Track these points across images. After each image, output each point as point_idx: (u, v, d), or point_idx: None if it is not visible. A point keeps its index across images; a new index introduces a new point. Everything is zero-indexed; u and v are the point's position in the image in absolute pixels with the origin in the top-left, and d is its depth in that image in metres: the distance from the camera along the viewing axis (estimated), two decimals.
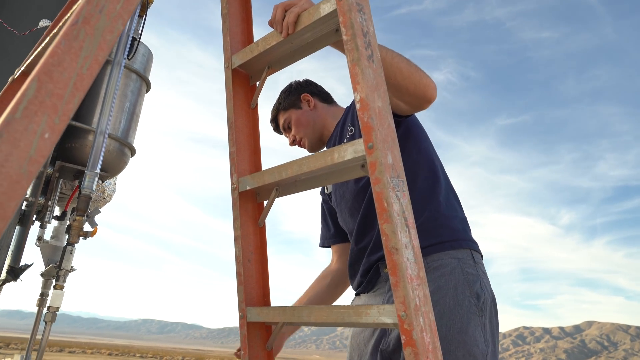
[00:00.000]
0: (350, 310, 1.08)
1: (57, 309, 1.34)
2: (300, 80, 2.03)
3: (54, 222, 1.91)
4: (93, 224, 1.26)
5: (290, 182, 1.27)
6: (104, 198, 1.45)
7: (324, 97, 2.02)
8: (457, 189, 1.83)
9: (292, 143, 1.98)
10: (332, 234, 2.02)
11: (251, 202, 1.40)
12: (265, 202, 1.41)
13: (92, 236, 1.32)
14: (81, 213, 1.30)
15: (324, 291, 1.97)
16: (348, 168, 1.12)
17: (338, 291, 1.98)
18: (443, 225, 1.62)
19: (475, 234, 1.74)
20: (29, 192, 1.97)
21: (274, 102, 2.05)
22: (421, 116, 1.77)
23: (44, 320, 1.34)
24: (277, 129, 2.04)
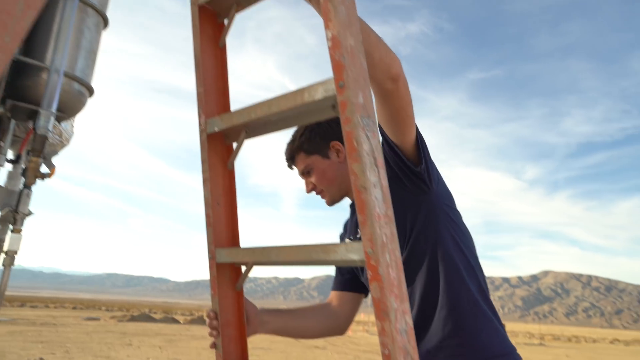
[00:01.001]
0: (319, 249, 1.11)
1: (16, 252, 1.31)
2: (331, 119, 1.58)
3: (8, 166, 1.83)
4: (50, 166, 1.21)
5: (259, 123, 1.26)
6: (62, 141, 1.39)
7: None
8: (428, 144, 1.52)
9: (310, 191, 1.76)
10: (344, 280, 1.83)
11: (220, 145, 1.39)
12: (235, 145, 1.40)
13: (50, 177, 1.28)
14: (37, 154, 1.24)
15: (313, 314, 1.79)
16: (319, 109, 1.12)
17: (324, 326, 1.76)
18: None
19: None
20: None
21: (293, 135, 1.77)
22: None
23: (2, 265, 1.31)
24: (289, 166, 1.80)
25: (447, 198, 1.57)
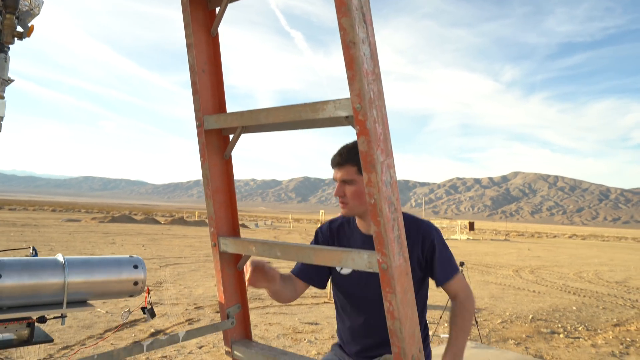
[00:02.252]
0: (307, 108, 1.13)
1: (2, 118, 1.30)
2: None
3: None
4: (25, 26, 1.16)
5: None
6: (31, 9, 1.30)
7: None
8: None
9: (337, 195, 1.98)
10: (309, 273, 2.15)
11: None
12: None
13: (28, 36, 1.23)
14: (11, 10, 1.17)
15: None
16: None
17: (288, 296, 2.07)
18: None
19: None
20: None
21: (350, 147, 1.98)
22: None
23: None
24: (333, 166, 2.00)
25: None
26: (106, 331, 6.24)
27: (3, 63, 1.29)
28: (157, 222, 40.10)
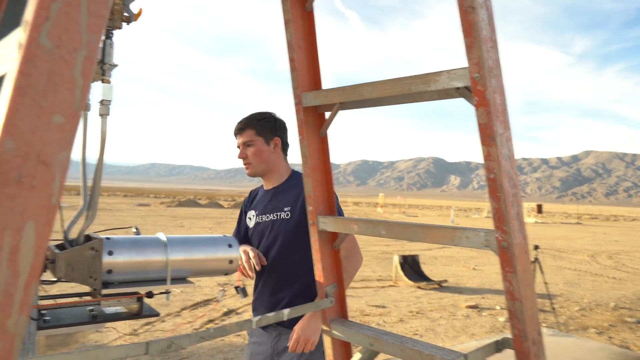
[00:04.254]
0: (418, 80, 1.08)
1: (110, 101, 1.34)
2: (281, 120, 2.33)
3: None
4: (130, 10, 1.20)
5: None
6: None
7: (286, 149, 2.35)
8: None
9: (240, 157, 2.27)
10: (242, 241, 2.40)
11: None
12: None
13: (135, 20, 1.26)
14: None
15: None
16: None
17: None
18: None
19: None
20: None
21: (252, 114, 2.30)
22: None
23: (99, 115, 1.35)
24: (236, 135, 2.29)
25: None
26: (183, 309, 6.54)
27: (109, 49, 1.32)
28: (221, 206, 41.46)
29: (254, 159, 2.23)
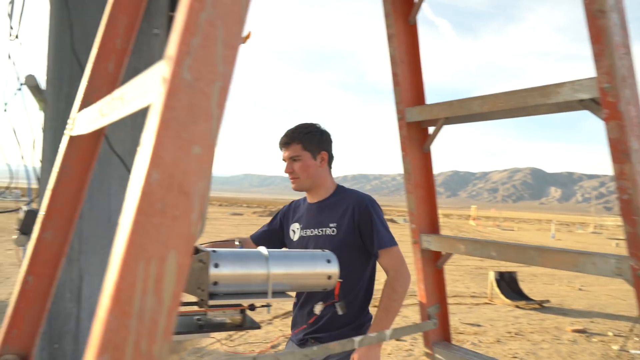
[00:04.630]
0: (535, 92, 1.01)
1: None
2: (327, 133, 2.28)
3: None
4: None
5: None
6: None
7: (331, 163, 2.30)
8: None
9: (286, 172, 2.24)
10: (265, 241, 2.40)
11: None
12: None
13: (244, 42, 1.31)
14: None
15: None
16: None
17: None
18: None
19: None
20: None
21: (298, 127, 2.26)
22: None
23: None
24: (281, 148, 2.26)
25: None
26: (274, 317, 6.70)
27: None
28: None
29: (301, 173, 2.19)
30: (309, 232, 2.24)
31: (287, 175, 2.30)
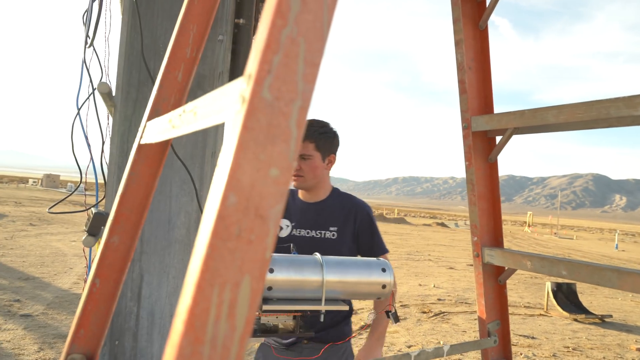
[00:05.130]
0: (620, 103, 0.93)
1: None
2: (338, 135, 2.26)
3: None
4: None
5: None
6: None
7: (333, 165, 2.30)
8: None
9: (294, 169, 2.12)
10: None
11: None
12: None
13: None
14: None
15: None
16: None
17: None
18: None
19: None
20: None
21: (314, 126, 2.20)
22: None
23: None
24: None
25: None
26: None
27: None
28: None
29: (308, 173, 2.14)
30: (303, 232, 2.19)
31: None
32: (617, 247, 29.71)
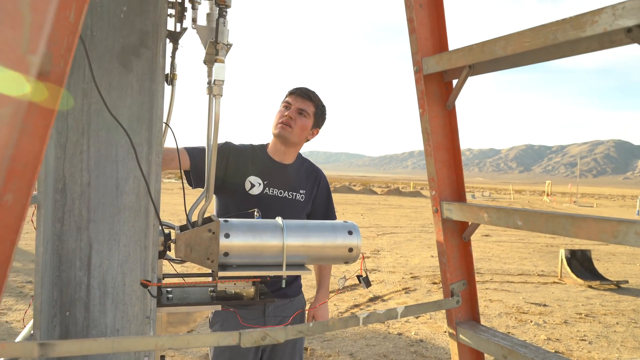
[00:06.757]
0: (567, 25, 0.82)
1: (222, 82, 1.31)
2: (326, 115, 2.39)
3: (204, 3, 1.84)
4: None
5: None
6: None
7: (313, 138, 2.39)
8: None
9: (288, 115, 2.21)
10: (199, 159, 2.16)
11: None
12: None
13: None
14: None
15: None
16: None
17: None
18: None
19: None
20: None
21: (314, 92, 2.31)
22: None
23: (212, 96, 1.32)
24: (296, 96, 2.26)
25: None
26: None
27: (223, 27, 1.28)
28: (374, 193, 41.89)
29: (296, 128, 2.20)
30: (276, 192, 2.21)
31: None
32: (638, 213, 29.17)
